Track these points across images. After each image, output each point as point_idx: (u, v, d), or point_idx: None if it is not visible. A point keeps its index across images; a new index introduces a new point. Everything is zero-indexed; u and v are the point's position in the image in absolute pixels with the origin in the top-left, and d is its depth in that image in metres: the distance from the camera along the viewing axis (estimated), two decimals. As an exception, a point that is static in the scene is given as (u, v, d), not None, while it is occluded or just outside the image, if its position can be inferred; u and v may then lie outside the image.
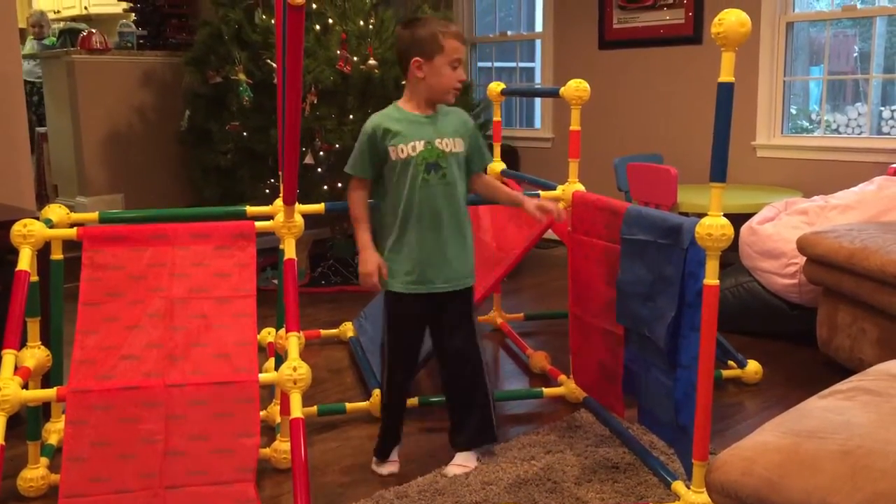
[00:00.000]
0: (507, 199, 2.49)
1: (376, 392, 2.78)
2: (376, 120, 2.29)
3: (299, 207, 2.42)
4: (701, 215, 1.98)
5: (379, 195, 2.36)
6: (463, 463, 2.40)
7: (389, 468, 2.41)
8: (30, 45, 7.03)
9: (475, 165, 2.40)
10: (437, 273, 2.31)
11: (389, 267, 2.31)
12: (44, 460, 2.31)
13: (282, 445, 2.39)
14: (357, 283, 4.53)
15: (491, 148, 3.51)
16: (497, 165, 3.43)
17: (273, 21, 4.18)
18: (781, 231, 3.44)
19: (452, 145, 2.30)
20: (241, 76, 4.22)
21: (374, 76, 4.29)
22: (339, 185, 4.40)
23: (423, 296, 2.32)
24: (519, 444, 2.55)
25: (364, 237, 2.31)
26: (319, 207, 2.65)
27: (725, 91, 1.86)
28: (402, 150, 2.25)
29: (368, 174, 2.31)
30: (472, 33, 6.29)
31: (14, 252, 2.22)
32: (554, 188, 2.84)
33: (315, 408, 2.75)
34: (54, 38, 7.15)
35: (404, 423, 2.47)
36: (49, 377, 2.38)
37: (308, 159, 4.17)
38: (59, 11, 8.26)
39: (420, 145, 2.25)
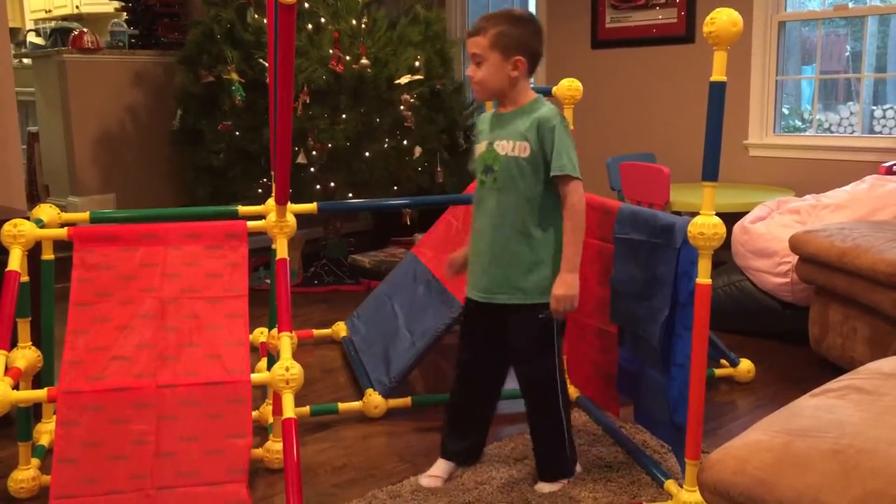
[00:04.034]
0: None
1: (369, 392, 2.78)
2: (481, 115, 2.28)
3: (291, 207, 2.41)
4: (693, 214, 1.98)
5: None
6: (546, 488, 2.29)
7: (434, 482, 2.31)
8: None
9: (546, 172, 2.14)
10: (475, 281, 2.23)
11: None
12: (35, 461, 2.30)
13: (274, 446, 2.38)
14: (350, 283, 4.60)
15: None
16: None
17: (265, 20, 4.16)
18: (773, 230, 3.45)
19: (510, 148, 2.12)
20: (234, 75, 4.20)
21: (367, 75, 4.28)
22: (332, 184, 4.40)
23: (472, 302, 2.25)
24: (512, 444, 2.55)
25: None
26: (312, 207, 2.64)
27: (717, 90, 1.86)
28: (477, 150, 2.22)
29: None
30: (465, 32, 6.28)
31: (4, 252, 2.21)
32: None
33: (307, 408, 2.74)
34: None
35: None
36: (40, 378, 2.37)
37: (300, 159, 4.16)
38: (50, 10, 8.22)
39: (483, 147, 2.19)
